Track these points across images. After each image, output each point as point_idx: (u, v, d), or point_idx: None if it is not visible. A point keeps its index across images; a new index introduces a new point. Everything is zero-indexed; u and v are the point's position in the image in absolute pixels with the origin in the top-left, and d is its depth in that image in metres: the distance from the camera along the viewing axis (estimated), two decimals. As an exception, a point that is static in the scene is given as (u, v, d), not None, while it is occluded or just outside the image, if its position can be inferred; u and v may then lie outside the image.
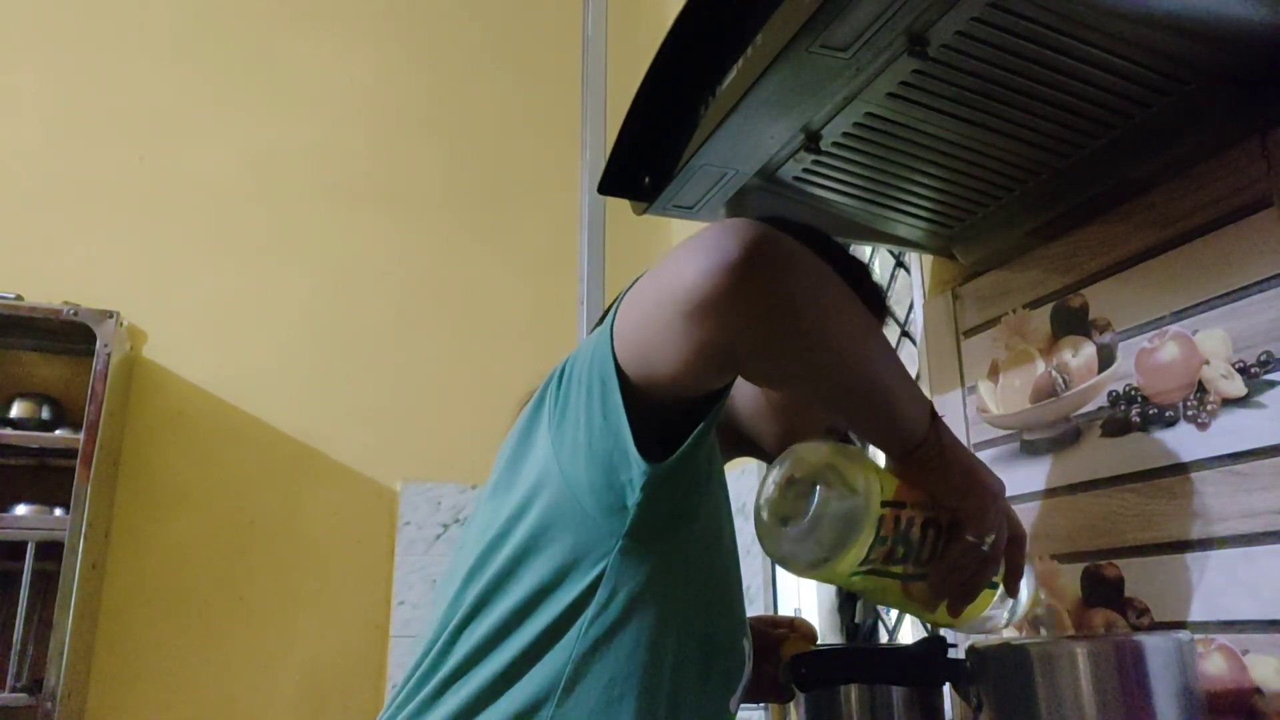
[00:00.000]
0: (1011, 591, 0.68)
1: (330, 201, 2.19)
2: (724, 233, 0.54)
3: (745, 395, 0.83)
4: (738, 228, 0.54)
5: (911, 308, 1.33)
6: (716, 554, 0.70)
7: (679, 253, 0.56)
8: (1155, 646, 0.68)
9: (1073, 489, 0.97)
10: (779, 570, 1.77)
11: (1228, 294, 0.82)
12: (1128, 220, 0.93)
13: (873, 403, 0.60)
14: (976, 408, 1.12)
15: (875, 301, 0.90)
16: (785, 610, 1.65)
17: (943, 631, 0.95)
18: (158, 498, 1.91)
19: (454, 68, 2.39)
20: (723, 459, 0.85)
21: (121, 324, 1.80)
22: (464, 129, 2.36)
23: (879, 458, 0.66)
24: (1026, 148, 0.89)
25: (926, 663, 0.78)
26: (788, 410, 0.83)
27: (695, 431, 0.59)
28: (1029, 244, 1.05)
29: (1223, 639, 0.80)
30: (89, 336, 1.72)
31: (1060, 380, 1.00)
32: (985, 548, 0.63)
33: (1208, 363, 0.83)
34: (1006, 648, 0.72)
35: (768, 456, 0.86)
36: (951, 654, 0.77)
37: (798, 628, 0.93)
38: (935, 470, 0.62)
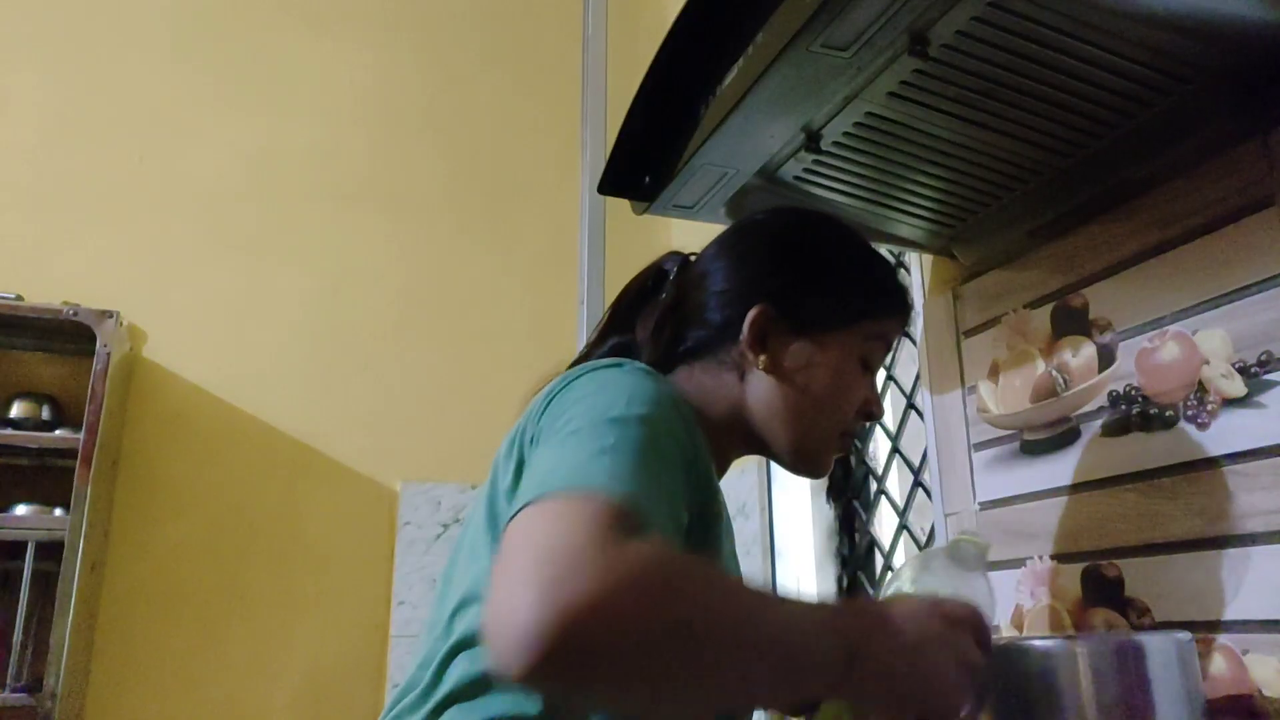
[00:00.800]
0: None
1: (330, 202, 2.19)
2: (562, 578, 0.43)
3: (759, 396, 0.80)
4: (575, 572, 0.43)
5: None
6: None
7: (519, 567, 0.45)
8: (1155, 646, 0.68)
9: (1073, 489, 0.97)
10: (778, 569, 1.77)
11: (1228, 294, 0.82)
12: (1128, 220, 0.93)
13: (775, 685, 0.53)
14: (976, 408, 1.12)
15: (899, 304, 0.85)
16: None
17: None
18: (157, 498, 1.90)
19: (454, 68, 2.38)
20: (734, 456, 0.84)
21: (121, 324, 1.80)
22: (464, 129, 2.35)
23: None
24: (1027, 148, 0.88)
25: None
26: (804, 416, 0.80)
27: None
28: (1029, 244, 1.05)
29: (1223, 639, 0.80)
30: (89, 336, 1.72)
31: (1060, 380, 1.00)
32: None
33: (1208, 363, 0.83)
34: (1007, 648, 0.72)
35: (779, 459, 0.83)
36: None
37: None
38: (876, 688, 0.56)
